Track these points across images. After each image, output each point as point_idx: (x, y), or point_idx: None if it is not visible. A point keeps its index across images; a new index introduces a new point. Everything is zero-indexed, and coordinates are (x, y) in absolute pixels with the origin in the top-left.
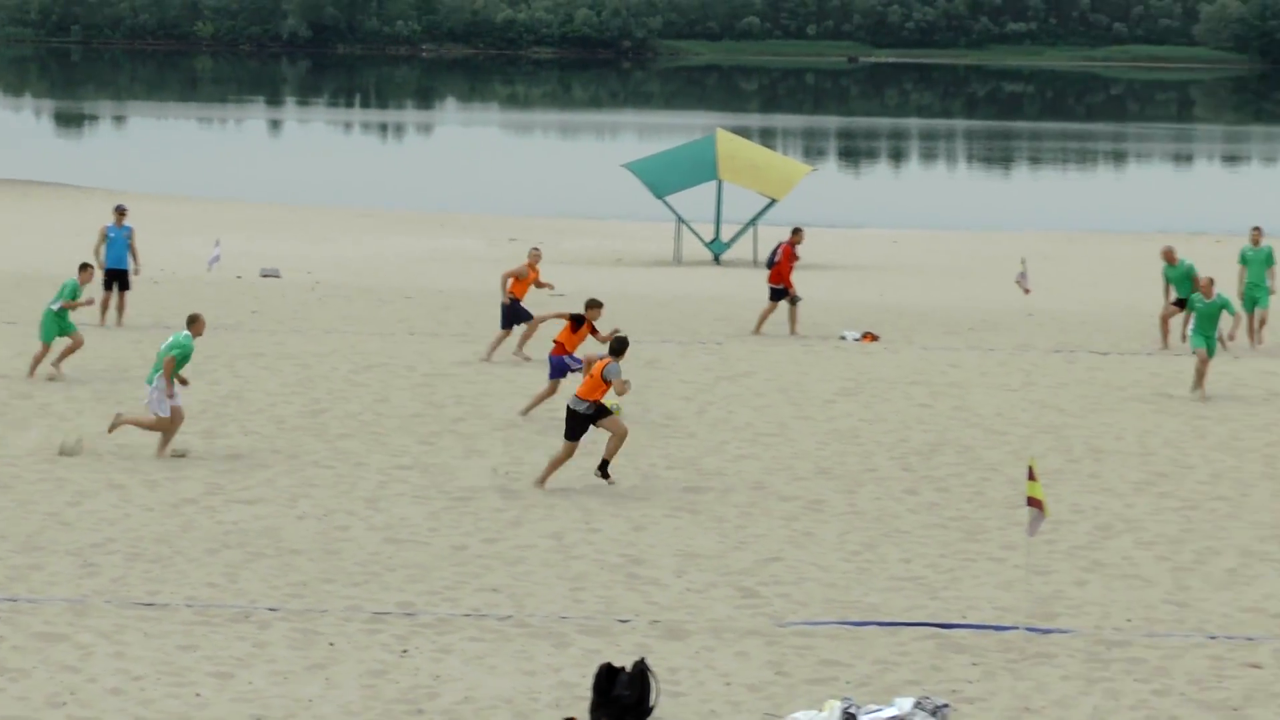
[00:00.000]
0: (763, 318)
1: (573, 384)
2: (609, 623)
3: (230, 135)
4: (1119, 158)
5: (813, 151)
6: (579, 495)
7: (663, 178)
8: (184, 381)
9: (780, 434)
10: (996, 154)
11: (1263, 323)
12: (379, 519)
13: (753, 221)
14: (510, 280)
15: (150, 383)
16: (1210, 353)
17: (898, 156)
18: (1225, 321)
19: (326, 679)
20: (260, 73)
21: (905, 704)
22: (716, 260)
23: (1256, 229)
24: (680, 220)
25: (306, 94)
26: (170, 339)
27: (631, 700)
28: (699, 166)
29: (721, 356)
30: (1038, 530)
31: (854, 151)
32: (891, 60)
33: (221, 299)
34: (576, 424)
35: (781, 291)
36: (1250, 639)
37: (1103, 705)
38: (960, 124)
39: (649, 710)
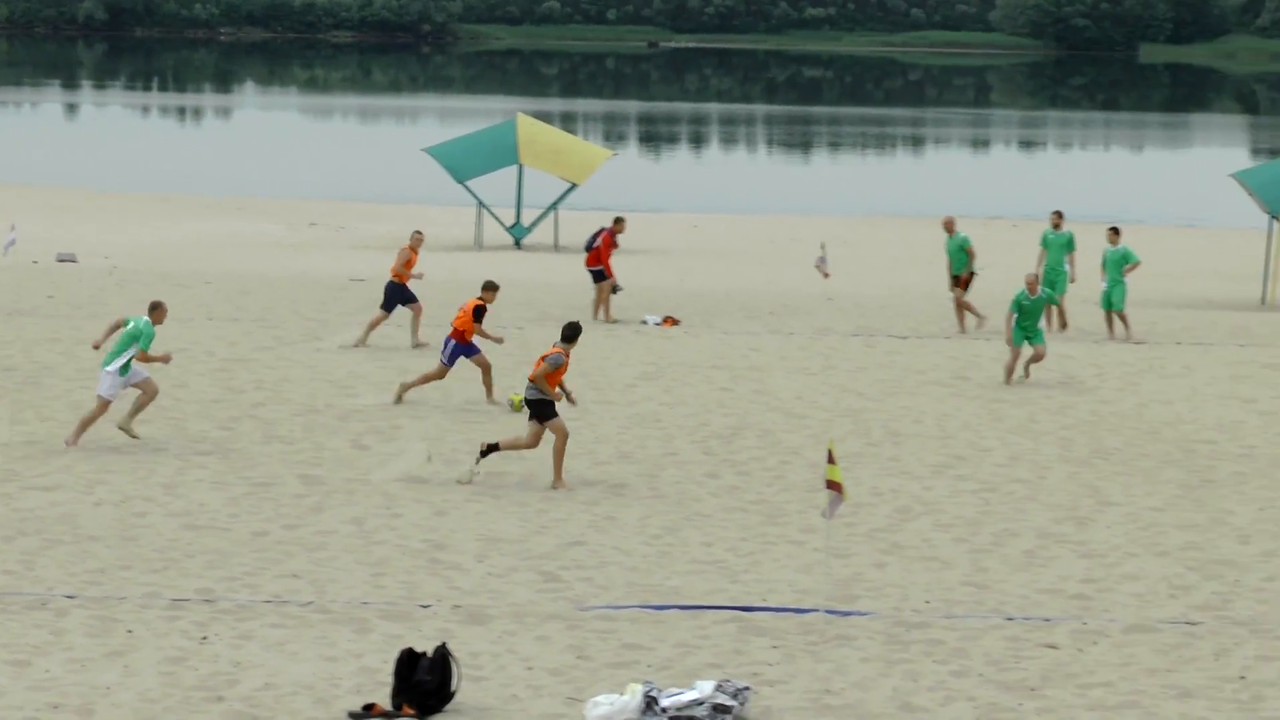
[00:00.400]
0: (598, 304)
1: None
2: (411, 608)
3: (25, 119)
4: (917, 142)
5: (613, 136)
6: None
7: (463, 162)
8: (151, 359)
9: (581, 418)
10: (796, 139)
11: (1059, 308)
12: (177, 505)
13: (553, 206)
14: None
15: (106, 365)
16: (1038, 345)
17: (698, 141)
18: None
19: (125, 666)
20: (56, 55)
21: (706, 687)
22: (518, 245)
23: (1057, 213)
24: (481, 205)
25: (103, 77)
26: (130, 325)
27: (433, 685)
28: (499, 151)
29: (522, 342)
30: (837, 513)
31: (655, 136)
32: (691, 45)
33: (16, 284)
34: (536, 406)
35: (600, 274)
36: (1047, 620)
37: (902, 686)
38: (760, 109)
39: (450, 695)
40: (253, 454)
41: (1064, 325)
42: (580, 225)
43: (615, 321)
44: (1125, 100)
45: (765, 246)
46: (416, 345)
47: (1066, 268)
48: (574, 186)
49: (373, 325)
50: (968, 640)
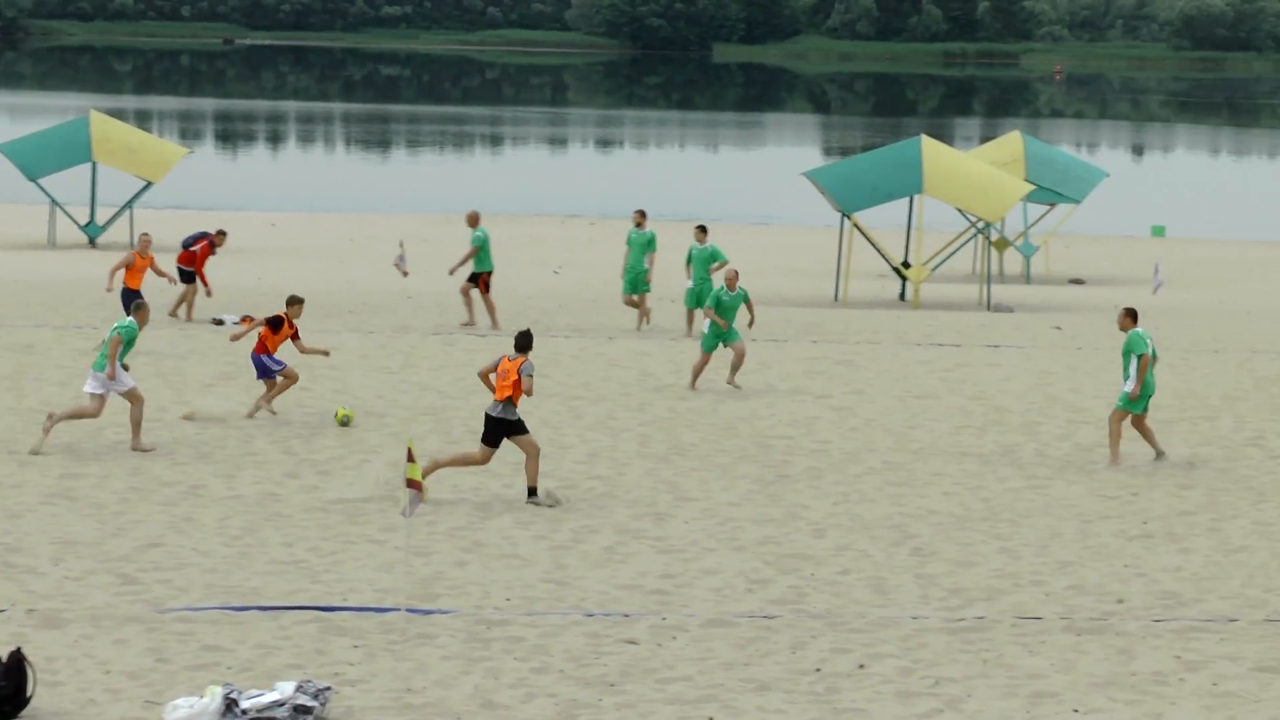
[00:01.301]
0: (180, 303)
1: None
2: None
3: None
4: (495, 141)
5: (189, 134)
6: None
7: (35, 160)
8: (125, 367)
9: (160, 418)
10: (374, 137)
11: (643, 303)
12: None
13: (129, 204)
14: (121, 271)
15: (98, 369)
16: (735, 343)
17: (275, 139)
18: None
19: None
20: None
21: (287, 688)
22: (92, 243)
23: (640, 212)
24: (54, 203)
25: None
26: (122, 327)
27: (8, 691)
28: (72, 148)
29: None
30: (417, 511)
31: (231, 134)
32: (268, 43)
33: None
34: (495, 429)
35: (190, 275)
36: (627, 615)
37: (483, 684)
38: (338, 107)
39: (26, 700)
40: None
41: (645, 321)
42: (157, 224)
43: (192, 321)
44: (700, 100)
45: (344, 245)
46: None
47: (645, 266)
48: (149, 185)
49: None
50: (548, 637)
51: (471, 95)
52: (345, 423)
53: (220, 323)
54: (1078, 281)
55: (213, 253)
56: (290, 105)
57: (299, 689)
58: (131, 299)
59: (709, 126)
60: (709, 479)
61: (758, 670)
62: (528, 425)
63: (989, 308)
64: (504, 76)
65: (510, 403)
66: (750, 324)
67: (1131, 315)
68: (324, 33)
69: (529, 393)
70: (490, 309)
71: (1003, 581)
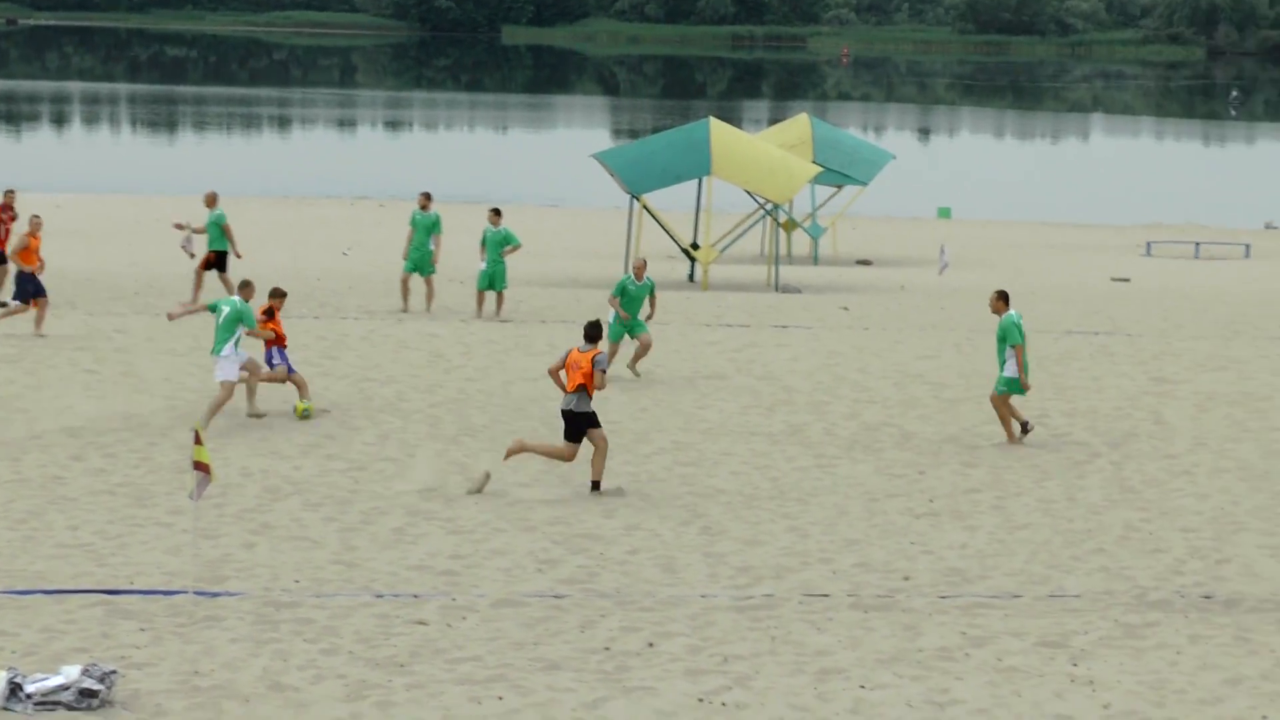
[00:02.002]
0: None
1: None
2: None
3: None
4: (283, 123)
5: None
6: None
7: None
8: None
9: None
10: (161, 119)
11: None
12: None
13: None
14: (16, 254)
15: (217, 353)
16: (641, 335)
17: (60, 120)
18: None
19: None
20: None
21: (72, 671)
22: None
23: (425, 194)
24: None
25: None
26: (228, 310)
27: None
28: None
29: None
30: (204, 494)
31: (15, 115)
32: (52, 23)
33: None
34: (575, 423)
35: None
36: (416, 596)
37: (272, 666)
38: (123, 88)
39: None
40: None
41: (430, 303)
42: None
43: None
44: (489, 81)
45: (130, 226)
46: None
47: (431, 248)
48: None
49: (11, 313)
50: (338, 618)
51: (259, 76)
52: (305, 416)
53: (3, 305)
54: (865, 263)
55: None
56: (75, 86)
57: (84, 672)
58: (27, 280)
59: (498, 108)
60: (499, 459)
61: (547, 649)
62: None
63: (777, 289)
64: (292, 58)
65: (585, 393)
66: (649, 317)
67: (1004, 298)
68: (109, 13)
69: (601, 387)
70: (198, 287)
71: (791, 560)
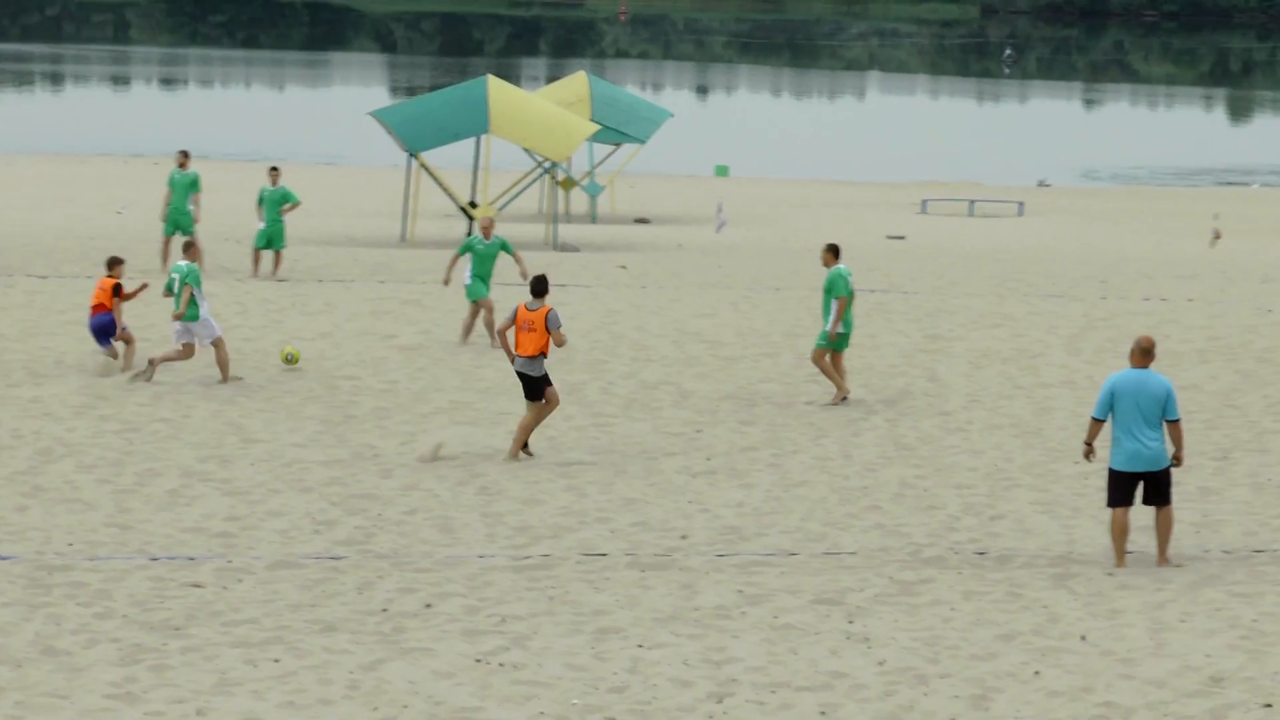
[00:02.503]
0: None
1: None
2: None
3: None
4: (56, 79)
5: None
6: None
7: None
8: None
9: None
10: None
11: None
12: None
13: None
14: None
15: (190, 319)
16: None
17: None
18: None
19: None
20: None
21: None
22: None
23: (183, 153)
24: None
25: None
26: (177, 272)
27: None
28: None
29: None
30: None
31: None
32: None
33: None
34: (535, 385)
35: None
36: (192, 559)
37: (44, 630)
38: None
39: None
40: None
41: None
42: None
43: None
44: (266, 38)
45: None
46: None
47: (191, 207)
48: None
49: None
50: (111, 582)
51: (31, 32)
52: (291, 360)
53: None
54: (643, 221)
55: None
56: None
57: None
58: None
59: (275, 65)
60: (275, 419)
61: (324, 611)
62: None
63: (555, 247)
64: (64, 13)
65: (542, 356)
66: (523, 275)
67: (834, 251)
68: None
69: (561, 344)
70: None
71: (569, 519)
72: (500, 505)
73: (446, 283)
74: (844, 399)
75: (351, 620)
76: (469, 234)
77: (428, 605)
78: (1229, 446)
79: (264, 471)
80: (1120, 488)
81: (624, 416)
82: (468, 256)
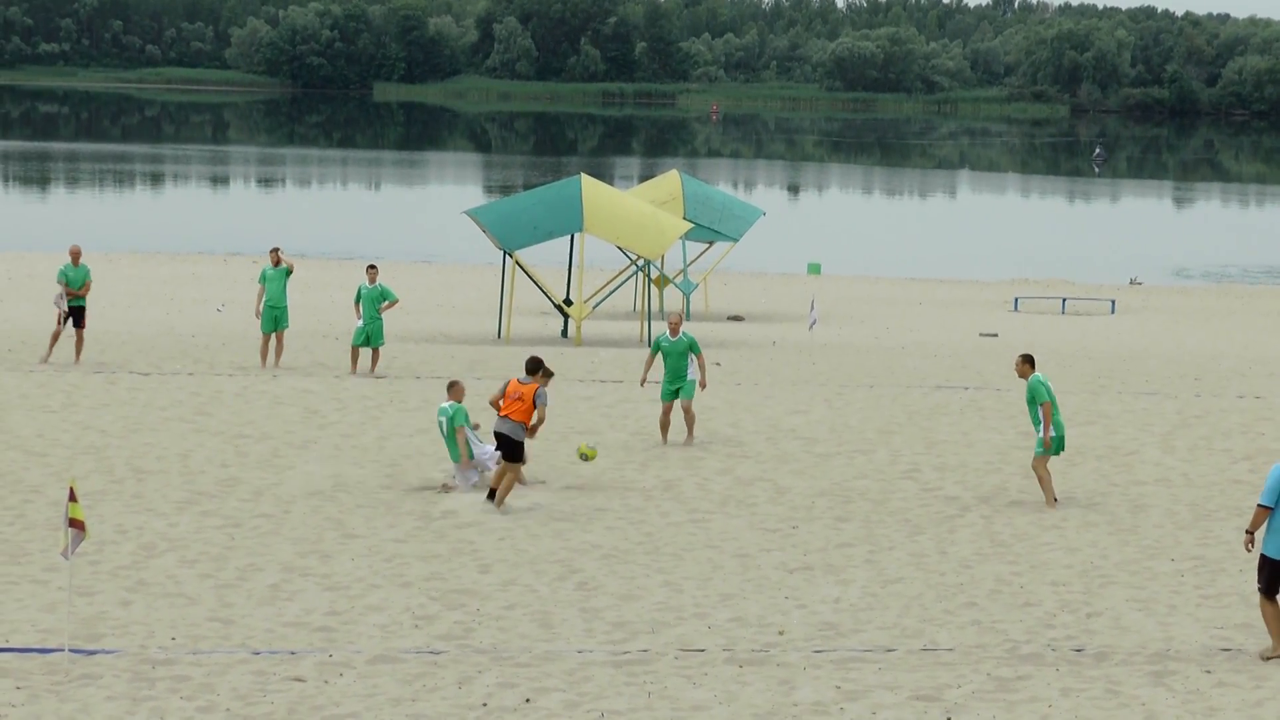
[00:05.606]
0: None
1: None
2: None
3: None
4: (156, 179)
5: None
6: None
7: None
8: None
9: None
10: (33, 174)
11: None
12: None
13: None
14: None
15: (456, 459)
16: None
17: None
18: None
19: None
20: None
21: None
22: None
23: (275, 250)
24: None
25: None
26: (443, 415)
27: None
28: None
29: None
30: (78, 551)
31: None
32: None
33: None
34: (515, 448)
35: None
36: (293, 653)
37: None
38: None
39: None
40: None
41: (278, 356)
42: None
43: None
44: (361, 138)
45: (2, 284)
46: None
47: (285, 302)
48: None
49: None
50: (214, 675)
51: (131, 133)
52: (588, 457)
53: None
54: (736, 318)
55: None
56: None
57: None
58: None
59: (371, 165)
60: (374, 515)
61: (424, 705)
62: None
63: (650, 345)
64: (164, 114)
65: (523, 425)
66: (702, 385)
67: (1029, 361)
68: None
69: (541, 421)
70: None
71: (666, 614)
72: (598, 600)
73: (643, 383)
74: (1054, 502)
75: (451, 715)
76: (564, 333)
77: (527, 700)
78: None
79: (363, 566)
80: (1278, 575)
81: (720, 513)
82: (659, 355)
